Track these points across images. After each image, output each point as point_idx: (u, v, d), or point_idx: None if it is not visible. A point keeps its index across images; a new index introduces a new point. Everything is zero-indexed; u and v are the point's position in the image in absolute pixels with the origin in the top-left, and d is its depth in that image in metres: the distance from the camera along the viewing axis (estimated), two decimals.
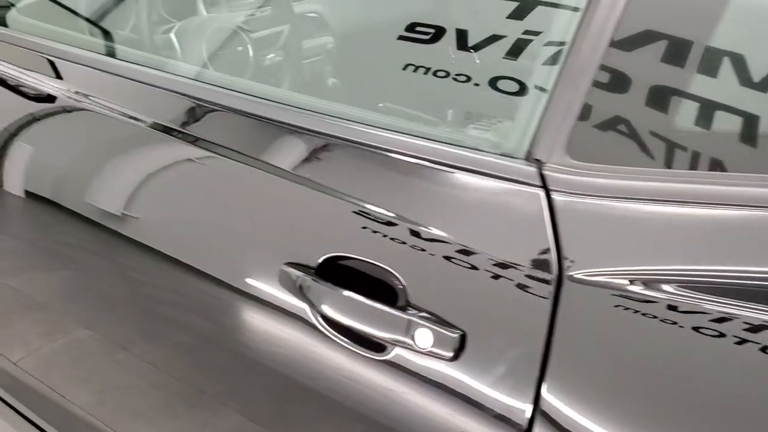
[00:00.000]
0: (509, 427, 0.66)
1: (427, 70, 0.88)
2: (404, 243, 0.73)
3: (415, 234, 0.73)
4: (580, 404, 0.64)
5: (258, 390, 0.86)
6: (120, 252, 0.99)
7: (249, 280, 0.82)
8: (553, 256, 0.66)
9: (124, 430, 1.08)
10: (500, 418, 0.67)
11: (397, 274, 0.73)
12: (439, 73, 0.87)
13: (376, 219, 0.75)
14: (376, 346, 0.74)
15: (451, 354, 0.69)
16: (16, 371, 1.29)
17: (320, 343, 0.76)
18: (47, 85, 1.10)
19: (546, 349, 0.65)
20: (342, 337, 0.75)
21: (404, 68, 0.89)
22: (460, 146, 0.75)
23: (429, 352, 0.70)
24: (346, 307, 0.75)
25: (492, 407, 0.68)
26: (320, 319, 0.76)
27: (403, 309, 0.72)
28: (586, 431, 0.63)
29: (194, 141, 0.91)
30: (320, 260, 0.77)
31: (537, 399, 0.65)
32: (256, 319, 0.83)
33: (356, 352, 0.75)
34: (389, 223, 0.74)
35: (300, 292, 0.77)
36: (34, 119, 1.09)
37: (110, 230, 0.96)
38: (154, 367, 1.00)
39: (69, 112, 1.05)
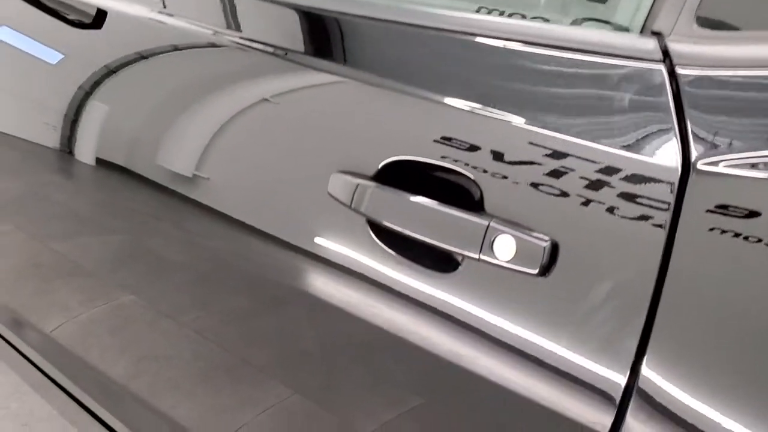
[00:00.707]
0: (613, 362, 0.55)
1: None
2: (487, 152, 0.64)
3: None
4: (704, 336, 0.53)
5: (309, 359, 0.81)
6: (181, 216, 0.96)
7: (315, 239, 0.77)
8: (676, 145, 0.56)
9: (161, 403, 1.05)
10: (600, 350, 0.56)
11: (473, 178, 0.64)
12: None
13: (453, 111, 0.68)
14: (444, 264, 0.66)
15: (537, 268, 0.59)
16: (52, 338, 1.28)
17: (380, 291, 0.69)
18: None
19: (663, 266, 0.54)
20: (403, 257, 0.68)
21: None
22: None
23: (511, 264, 0.60)
24: (410, 214, 0.67)
25: (589, 336, 0.57)
26: (377, 236, 0.69)
27: (479, 214, 0.63)
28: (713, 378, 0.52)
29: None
30: (380, 166, 0.70)
31: (649, 326, 0.54)
32: (317, 282, 0.78)
33: (421, 275, 0.67)
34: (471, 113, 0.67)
35: (355, 202, 0.70)
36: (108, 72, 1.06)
37: (172, 192, 0.92)
38: (200, 336, 0.96)
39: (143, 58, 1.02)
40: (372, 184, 0.69)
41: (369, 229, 0.70)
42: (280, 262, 0.82)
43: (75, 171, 1.15)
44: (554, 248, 0.59)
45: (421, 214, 0.66)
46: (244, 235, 0.85)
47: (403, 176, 0.69)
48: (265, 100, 0.85)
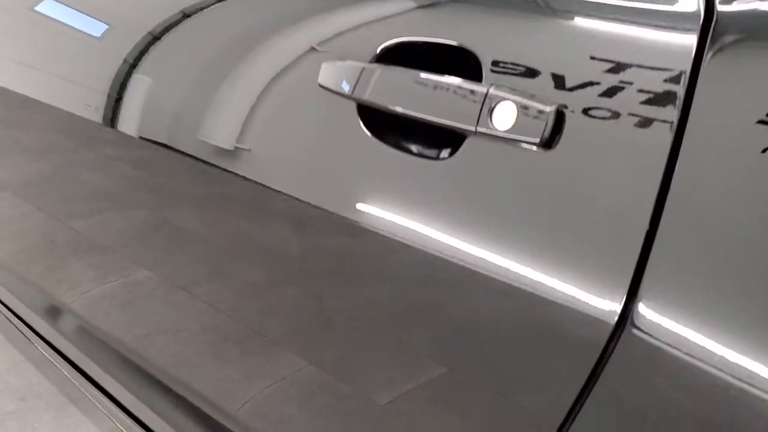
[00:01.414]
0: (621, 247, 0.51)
1: None
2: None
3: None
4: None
5: (324, 330, 0.82)
6: (204, 187, 0.97)
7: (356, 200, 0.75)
8: None
9: (167, 374, 1.06)
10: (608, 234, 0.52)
11: (472, 50, 0.61)
12: None
13: None
14: (442, 146, 0.62)
15: (538, 138, 0.54)
16: (61, 314, 1.30)
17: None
18: None
19: (679, 130, 0.50)
20: (398, 144, 0.66)
21: None
22: None
23: (511, 134, 0.56)
24: (407, 93, 0.63)
25: (597, 212, 0.52)
26: (366, 126, 0.68)
27: (477, 83, 0.59)
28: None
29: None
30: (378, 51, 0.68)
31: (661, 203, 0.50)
32: (335, 247, 0.78)
33: (419, 161, 0.64)
34: None
35: (355, 88, 0.68)
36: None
37: (201, 163, 0.92)
38: (213, 308, 0.97)
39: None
40: (371, 65, 0.68)
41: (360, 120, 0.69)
42: (300, 235, 0.83)
43: (106, 150, 1.17)
44: (559, 116, 0.54)
45: (416, 91, 0.64)
46: (267, 206, 0.86)
47: (401, 58, 0.68)
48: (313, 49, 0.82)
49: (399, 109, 0.65)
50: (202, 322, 1.00)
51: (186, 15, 0.99)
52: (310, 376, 0.83)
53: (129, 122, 1.05)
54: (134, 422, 1.09)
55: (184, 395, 1.02)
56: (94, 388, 1.21)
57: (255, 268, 0.91)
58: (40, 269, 1.37)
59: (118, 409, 1.13)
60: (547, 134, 0.54)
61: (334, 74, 0.70)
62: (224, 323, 0.96)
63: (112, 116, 1.08)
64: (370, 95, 0.67)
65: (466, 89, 0.59)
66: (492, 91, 0.57)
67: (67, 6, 1.20)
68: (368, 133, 0.69)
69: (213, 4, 0.98)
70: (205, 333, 1.00)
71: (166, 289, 1.07)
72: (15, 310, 1.43)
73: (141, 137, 1.03)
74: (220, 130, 0.91)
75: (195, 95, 0.97)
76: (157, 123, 1.03)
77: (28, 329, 1.39)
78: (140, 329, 1.13)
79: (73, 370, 1.26)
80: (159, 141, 1.01)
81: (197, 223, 1.00)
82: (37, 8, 1.26)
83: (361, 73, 0.68)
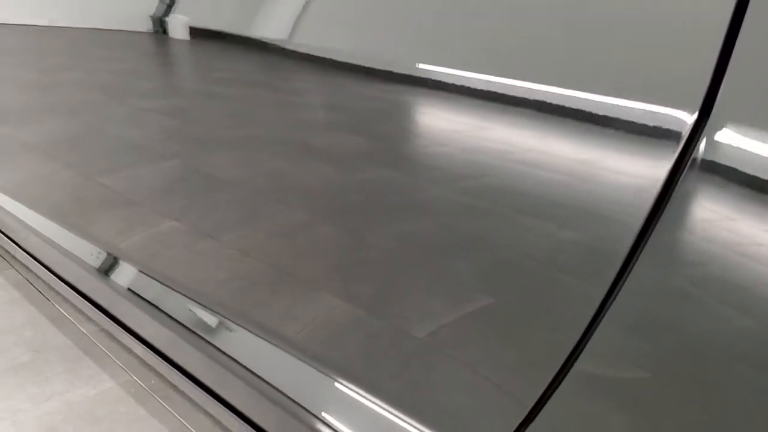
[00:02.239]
0: None
1: None
2: None
3: None
4: None
5: (359, 268, 0.81)
6: (239, 133, 0.98)
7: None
8: None
9: (194, 324, 1.06)
10: None
11: None
12: None
13: None
14: None
15: None
16: (87, 267, 1.30)
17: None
18: None
19: None
20: None
21: None
22: None
23: None
24: None
25: None
26: None
27: None
28: None
29: None
30: None
31: None
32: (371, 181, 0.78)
33: None
34: None
35: None
36: None
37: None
38: (243, 254, 0.97)
39: None
40: None
41: None
42: (339, 170, 0.82)
43: (139, 102, 1.19)
44: None
45: None
46: (299, 142, 0.85)
47: None
48: None
49: None
50: (230, 268, 1.00)
51: None
52: (344, 314, 0.83)
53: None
54: (173, 367, 1.08)
55: (211, 343, 1.02)
56: (120, 333, 1.20)
57: (287, 207, 0.91)
58: (67, 225, 1.38)
59: (150, 352, 1.13)
60: None
61: None
62: (254, 268, 0.96)
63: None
64: None
65: None
66: None
67: None
68: None
69: None
70: (234, 279, 1.00)
71: (194, 238, 1.08)
72: (42, 261, 1.43)
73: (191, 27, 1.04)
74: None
75: None
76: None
77: (55, 278, 1.38)
78: (168, 279, 1.13)
79: (101, 315, 1.25)
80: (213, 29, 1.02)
81: (227, 168, 1.01)
82: None
83: None
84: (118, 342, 1.45)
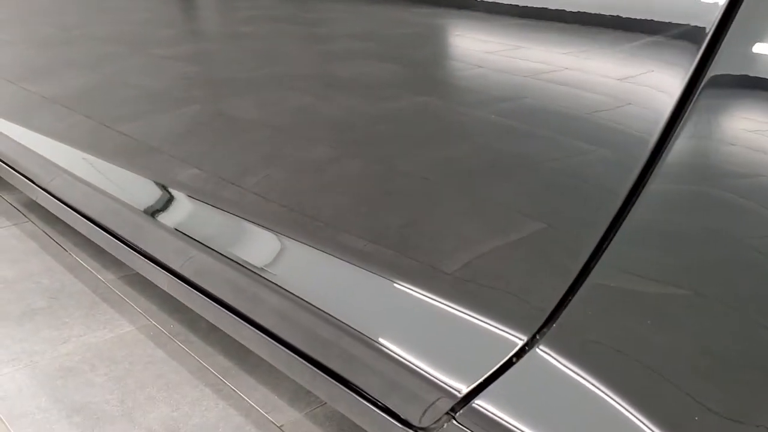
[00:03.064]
0: None
1: None
2: None
3: None
4: None
5: (387, 201, 0.80)
6: (262, 72, 0.97)
7: None
8: None
9: (217, 264, 1.06)
10: None
11: None
12: None
13: None
14: None
15: None
16: (100, 216, 1.31)
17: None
18: None
19: None
20: None
21: None
22: None
23: None
24: None
25: None
26: None
27: None
28: None
29: None
30: None
31: None
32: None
33: None
34: None
35: None
36: None
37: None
38: (262, 198, 0.98)
39: None
40: None
41: None
42: (368, 100, 0.81)
43: (160, 50, 1.19)
44: None
45: None
46: (319, 72, 0.85)
47: None
48: None
49: None
50: (253, 212, 1.01)
51: None
52: (371, 254, 0.82)
53: None
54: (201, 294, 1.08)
55: (233, 285, 1.02)
56: (144, 263, 1.19)
57: (311, 143, 0.90)
58: (88, 174, 1.38)
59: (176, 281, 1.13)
60: None
61: None
62: (276, 211, 0.96)
63: None
64: None
65: None
66: None
67: None
68: None
69: None
70: (255, 223, 1.00)
71: (214, 185, 1.08)
72: (66, 201, 1.42)
73: None
74: None
75: None
76: None
77: (79, 216, 1.37)
78: (189, 223, 1.13)
79: (125, 248, 1.24)
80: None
81: (250, 110, 1.00)
82: None
83: None
84: (138, 288, 1.47)
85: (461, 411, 0.68)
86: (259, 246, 0.98)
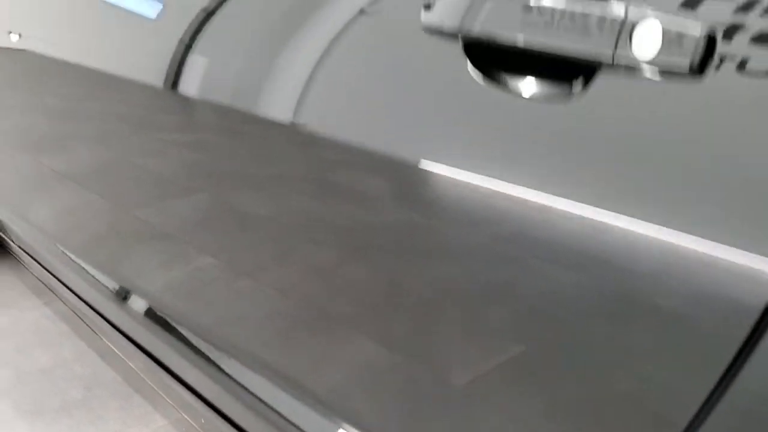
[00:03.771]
0: None
1: None
2: None
3: None
4: None
5: (396, 309, 0.78)
6: (266, 171, 0.94)
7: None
8: None
9: (233, 361, 1.04)
10: None
11: None
12: None
13: None
14: (570, 76, 0.55)
15: (689, 60, 0.47)
16: (128, 304, 1.28)
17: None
18: None
19: None
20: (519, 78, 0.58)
21: None
22: None
23: (656, 62, 0.48)
24: (529, 21, 0.56)
25: None
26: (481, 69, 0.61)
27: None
28: None
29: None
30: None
31: None
32: (402, 216, 0.74)
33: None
34: None
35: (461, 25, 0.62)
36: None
37: (263, 141, 0.91)
38: (280, 293, 0.95)
39: None
40: None
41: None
42: (368, 211, 0.79)
43: (163, 135, 1.16)
44: (711, 39, 0.46)
45: (536, 19, 0.56)
46: (333, 182, 0.83)
47: None
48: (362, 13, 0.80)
49: (517, 40, 0.58)
50: (268, 307, 0.97)
51: None
52: (382, 358, 0.79)
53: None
54: (207, 408, 1.06)
55: (254, 382, 0.99)
56: (163, 374, 1.19)
57: (321, 248, 0.87)
58: (107, 258, 1.36)
59: (191, 395, 1.11)
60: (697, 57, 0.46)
61: (442, 10, 0.63)
62: (291, 308, 0.93)
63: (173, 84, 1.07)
64: (483, 27, 0.60)
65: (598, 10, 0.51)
66: (629, 14, 0.49)
67: None
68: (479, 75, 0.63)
69: None
70: (272, 319, 0.97)
71: (231, 276, 1.05)
72: (84, 298, 1.42)
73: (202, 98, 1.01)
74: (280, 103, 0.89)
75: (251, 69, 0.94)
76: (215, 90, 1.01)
77: (97, 316, 1.38)
78: (207, 317, 1.10)
79: (143, 355, 1.24)
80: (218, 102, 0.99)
81: (258, 205, 0.97)
82: None
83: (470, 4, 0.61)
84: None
85: None
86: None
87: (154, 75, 1.12)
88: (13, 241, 1.66)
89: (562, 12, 0.54)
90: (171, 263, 1.19)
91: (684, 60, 0.46)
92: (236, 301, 1.04)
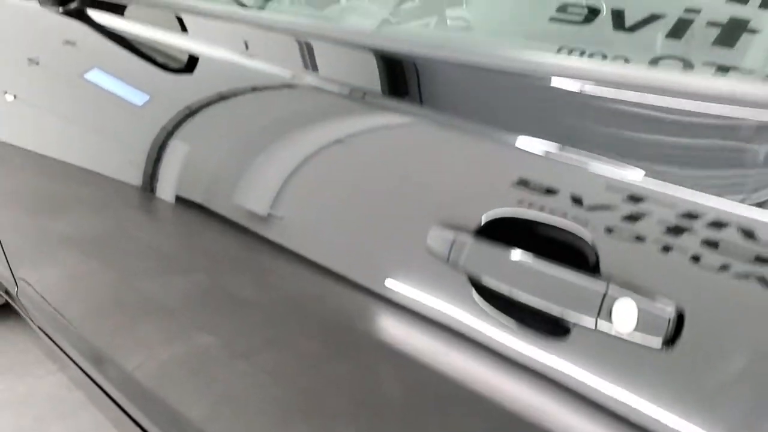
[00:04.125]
0: None
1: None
2: (604, 208, 0.59)
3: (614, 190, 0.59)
4: None
5: (389, 403, 0.76)
6: (256, 255, 0.93)
7: (390, 279, 0.72)
8: None
9: None
10: None
11: (586, 238, 0.59)
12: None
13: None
14: (553, 329, 0.60)
15: (660, 339, 0.53)
16: (133, 377, 1.28)
17: (476, 338, 0.63)
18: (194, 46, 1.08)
19: None
20: (509, 319, 0.62)
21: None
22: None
23: (631, 337, 0.55)
24: (518, 273, 0.61)
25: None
26: (481, 297, 0.64)
27: (594, 276, 0.58)
28: None
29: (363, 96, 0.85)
30: (483, 222, 0.64)
31: None
32: (396, 323, 0.73)
33: (526, 338, 0.60)
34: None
35: (454, 259, 0.65)
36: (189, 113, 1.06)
37: (249, 232, 0.90)
38: (274, 379, 0.94)
39: (219, 100, 1.02)
40: (470, 239, 0.65)
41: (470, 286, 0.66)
42: (355, 308, 0.78)
43: (155, 208, 1.15)
44: (680, 317, 0.53)
45: (526, 274, 0.62)
46: (321, 278, 0.82)
47: (505, 232, 0.64)
48: (340, 141, 0.84)
49: (511, 293, 0.63)
50: (264, 393, 0.97)
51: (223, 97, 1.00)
52: None
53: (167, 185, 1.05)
54: None
55: None
56: None
57: (309, 338, 0.87)
58: (111, 330, 1.35)
59: None
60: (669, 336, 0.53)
61: (438, 240, 0.67)
62: (286, 395, 0.93)
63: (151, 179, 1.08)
64: (477, 271, 0.65)
65: (583, 282, 0.58)
66: (612, 290, 0.56)
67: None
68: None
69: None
70: (268, 404, 0.97)
71: (228, 357, 1.04)
72: (87, 372, 1.43)
73: (179, 197, 1.02)
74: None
75: (233, 164, 0.95)
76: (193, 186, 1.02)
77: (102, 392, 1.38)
78: (206, 399, 1.09)
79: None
80: (195, 201, 1.00)
81: (247, 289, 0.97)
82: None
83: (457, 244, 0.66)
84: None
85: None
86: None
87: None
88: (23, 306, 1.66)
89: (545, 274, 0.60)
90: (172, 340, 1.18)
91: (656, 339, 0.53)
92: (232, 384, 1.03)
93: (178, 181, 1.03)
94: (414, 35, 0.98)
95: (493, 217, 0.64)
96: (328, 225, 0.81)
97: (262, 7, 1.11)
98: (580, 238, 0.58)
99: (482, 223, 0.64)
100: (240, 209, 0.92)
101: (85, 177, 1.29)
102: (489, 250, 0.63)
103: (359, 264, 0.76)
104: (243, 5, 1.12)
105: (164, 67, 1.16)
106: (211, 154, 1.00)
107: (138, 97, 1.14)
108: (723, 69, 0.64)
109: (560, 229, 0.60)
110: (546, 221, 0.61)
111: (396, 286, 0.71)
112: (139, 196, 1.13)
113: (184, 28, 1.15)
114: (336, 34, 0.95)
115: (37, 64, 1.39)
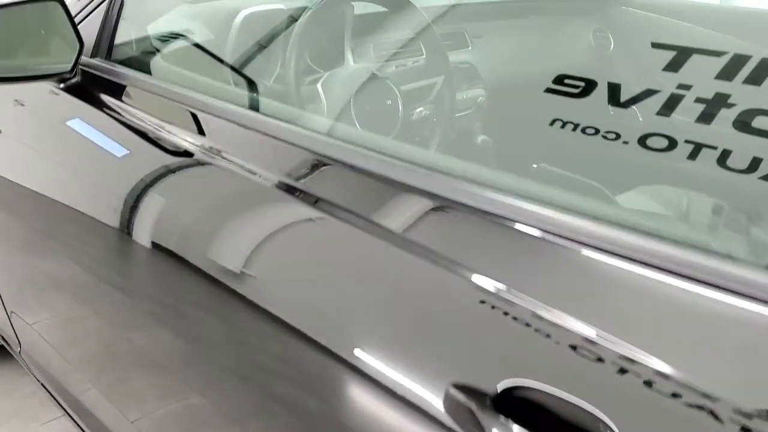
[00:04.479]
0: None
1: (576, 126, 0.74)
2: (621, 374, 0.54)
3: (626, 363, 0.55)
4: None
5: None
6: (236, 314, 0.90)
7: (381, 366, 0.68)
8: None
9: None
10: None
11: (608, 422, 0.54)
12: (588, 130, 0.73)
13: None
14: None
15: None
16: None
17: None
18: (185, 140, 1.06)
19: None
20: None
21: (551, 123, 0.75)
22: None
23: None
24: None
25: None
26: None
27: None
28: None
29: (315, 202, 0.83)
30: (499, 389, 0.59)
31: None
32: (373, 405, 0.69)
33: None
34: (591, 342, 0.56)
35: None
36: (168, 171, 1.06)
37: (229, 289, 0.88)
38: None
39: (202, 165, 1.00)
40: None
41: None
42: (327, 376, 0.75)
43: (136, 254, 1.12)
44: None
45: None
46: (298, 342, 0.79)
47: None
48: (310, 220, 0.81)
49: None
50: None
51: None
52: None
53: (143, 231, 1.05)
54: None
55: None
56: None
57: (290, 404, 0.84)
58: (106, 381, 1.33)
59: None
60: None
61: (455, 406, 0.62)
62: None
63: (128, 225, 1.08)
64: None
65: None
66: None
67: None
68: None
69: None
70: None
71: (220, 420, 1.00)
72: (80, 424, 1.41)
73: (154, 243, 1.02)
74: None
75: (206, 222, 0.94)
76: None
77: None
78: None
79: None
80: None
81: (225, 351, 0.94)
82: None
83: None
84: None
85: None
86: None
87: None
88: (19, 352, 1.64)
89: None
90: (167, 397, 1.14)
91: None
92: None
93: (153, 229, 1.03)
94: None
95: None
96: (304, 290, 0.79)
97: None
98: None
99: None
100: (213, 264, 0.90)
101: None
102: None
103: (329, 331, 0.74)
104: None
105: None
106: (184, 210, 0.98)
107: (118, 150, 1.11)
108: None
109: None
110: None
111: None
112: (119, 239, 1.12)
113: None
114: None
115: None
